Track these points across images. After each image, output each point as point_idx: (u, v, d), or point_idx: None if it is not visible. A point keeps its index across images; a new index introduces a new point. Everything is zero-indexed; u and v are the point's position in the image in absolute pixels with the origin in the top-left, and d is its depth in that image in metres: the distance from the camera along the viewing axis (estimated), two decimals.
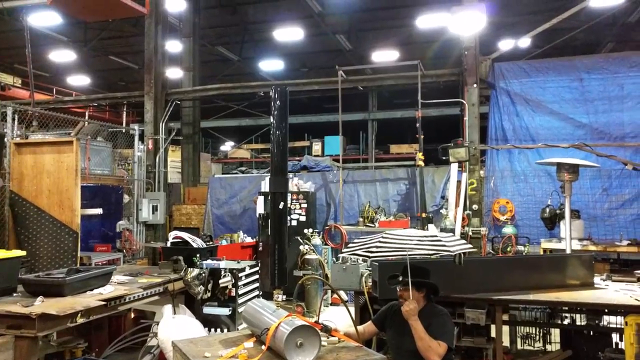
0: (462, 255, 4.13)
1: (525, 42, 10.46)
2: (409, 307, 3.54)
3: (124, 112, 16.51)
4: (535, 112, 9.36)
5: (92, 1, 6.20)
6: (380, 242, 3.73)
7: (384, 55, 16.65)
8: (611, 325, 4.88)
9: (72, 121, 9.81)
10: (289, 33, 15.76)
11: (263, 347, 3.14)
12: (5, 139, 6.67)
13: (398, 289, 3.74)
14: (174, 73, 15.05)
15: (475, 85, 9.30)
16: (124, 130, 11.09)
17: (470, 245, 4.05)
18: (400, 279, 3.73)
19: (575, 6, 9.05)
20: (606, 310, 4.76)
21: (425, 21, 14.34)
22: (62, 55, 17.92)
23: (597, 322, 4.91)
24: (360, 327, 3.92)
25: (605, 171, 8.66)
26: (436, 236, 3.86)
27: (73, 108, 15.34)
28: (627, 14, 13.37)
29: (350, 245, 4.04)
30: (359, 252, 3.81)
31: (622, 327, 4.43)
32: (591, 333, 5.09)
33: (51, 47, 17.31)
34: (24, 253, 4.98)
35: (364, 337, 3.95)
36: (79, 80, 21.15)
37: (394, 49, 16.64)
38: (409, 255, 3.58)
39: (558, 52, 12.00)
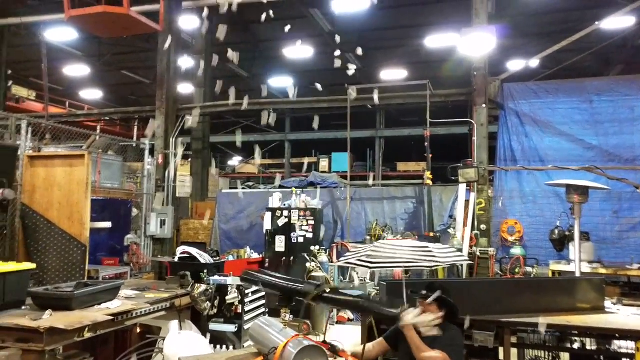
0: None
1: (534, 63, 10.53)
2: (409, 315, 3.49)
3: (135, 126, 16.66)
4: (544, 133, 9.37)
5: (109, 18, 6.32)
6: (372, 250, 3.81)
7: (393, 74, 16.76)
8: (622, 351, 4.80)
9: (85, 134, 9.94)
10: (299, 51, 15.93)
11: None
12: (19, 152, 6.74)
13: (418, 303, 3.71)
14: (185, 88, 15.21)
15: (484, 106, 9.33)
16: (134, 145, 11.19)
17: (463, 256, 4.03)
18: (424, 292, 3.71)
19: (585, 28, 9.11)
20: (617, 335, 4.69)
21: (434, 41, 14.46)
22: (76, 70, 18.21)
23: (607, 347, 4.84)
24: (369, 345, 3.89)
25: (616, 194, 8.62)
26: (427, 247, 3.87)
27: (85, 122, 15.53)
28: (637, 37, 13.40)
29: (344, 255, 4.08)
30: (352, 260, 3.90)
31: (634, 352, 4.37)
32: (601, 358, 5.01)
33: (66, 62, 17.59)
34: (33, 266, 5.00)
35: (373, 354, 3.91)
36: (92, 94, 21.43)
37: (403, 68, 16.76)
38: (400, 265, 3.64)
39: (567, 73, 12.04)
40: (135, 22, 6.62)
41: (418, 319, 3.42)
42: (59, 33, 14.07)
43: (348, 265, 4.09)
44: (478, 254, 8.81)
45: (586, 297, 5.06)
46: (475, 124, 9.37)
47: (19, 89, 18.04)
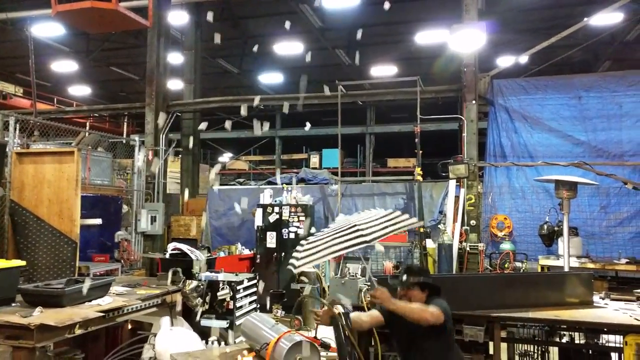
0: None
1: (523, 59, 10.61)
2: (376, 293, 3.39)
3: (125, 123, 16.55)
4: (533, 129, 9.43)
5: (97, 14, 6.25)
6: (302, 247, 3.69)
7: (383, 70, 16.80)
8: (610, 345, 4.87)
9: (73, 131, 9.84)
10: (289, 47, 15.91)
11: None
12: (7, 149, 6.67)
13: (399, 290, 3.71)
14: (175, 84, 15.12)
15: (474, 102, 9.37)
16: (124, 141, 11.13)
17: (407, 220, 3.67)
18: (404, 278, 3.70)
19: (574, 25, 9.18)
20: (605, 329, 4.75)
21: (425, 37, 14.51)
22: (64, 66, 18.01)
23: (596, 341, 4.90)
24: (362, 315, 3.81)
25: (604, 189, 8.71)
26: (355, 224, 3.55)
27: (74, 118, 15.40)
28: (624, 33, 13.54)
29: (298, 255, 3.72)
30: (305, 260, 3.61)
31: (621, 346, 4.43)
32: (590, 352, 5.07)
33: (53, 57, 17.40)
34: (23, 263, 4.97)
35: (365, 325, 3.79)
36: (80, 90, 21.23)
37: (393, 64, 16.80)
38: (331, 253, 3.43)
39: (555, 69, 12.15)
40: (123, 17, 6.55)
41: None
42: (46, 28, 13.91)
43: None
44: (468, 249, 8.87)
45: (575, 292, 5.12)
46: (465, 120, 9.41)
47: (6, 85, 17.84)
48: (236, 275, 6.60)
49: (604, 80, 9.36)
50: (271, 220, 9.81)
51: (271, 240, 9.78)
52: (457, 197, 9.25)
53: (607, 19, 11.06)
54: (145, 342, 5.49)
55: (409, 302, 3.49)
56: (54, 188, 6.48)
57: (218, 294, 6.00)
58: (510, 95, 9.59)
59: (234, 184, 16.72)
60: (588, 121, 9.15)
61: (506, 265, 8.49)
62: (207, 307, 5.99)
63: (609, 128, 9.04)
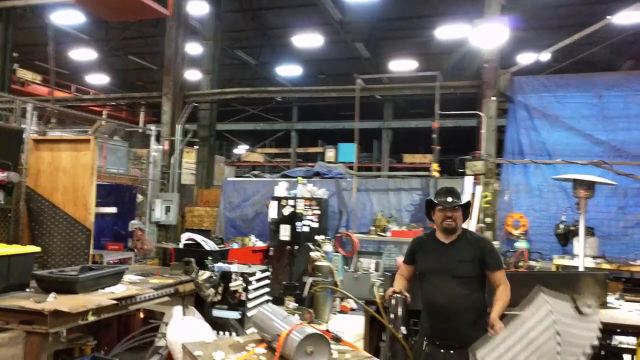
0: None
1: (544, 56, 10.43)
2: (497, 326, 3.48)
3: (141, 112, 16.65)
4: (552, 127, 9.30)
5: (117, 2, 6.27)
6: None
7: (402, 65, 16.65)
8: (622, 346, 4.81)
9: (90, 119, 9.94)
10: (308, 39, 15.85)
11: (274, 353, 3.13)
12: (24, 135, 6.73)
13: (437, 211, 3.76)
14: (192, 75, 15.17)
15: (493, 98, 9.25)
16: (140, 130, 11.21)
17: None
18: (449, 200, 3.71)
19: (597, 22, 9.00)
20: (619, 330, 4.69)
21: (445, 32, 14.35)
22: (82, 54, 18.16)
23: (608, 341, 4.83)
24: (403, 279, 3.90)
25: (622, 189, 8.56)
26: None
27: (91, 106, 15.53)
28: None
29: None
30: None
31: (634, 347, 4.38)
32: (603, 353, 5.01)
33: (72, 45, 17.55)
34: (38, 249, 5.01)
35: (408, 284, 3.90)
36: (98, 79, 21.40)
37: (412, 58, 16.64)
38: None
39: (577, 67, 11.90)
40: (143, 6, 6.56)
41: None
42: (66, 16, 14.01)
43: None
44: None
45: (589, 292, 5.04)
46: (484, 116, 9.30)
47: (25, 72, 18.03)
48: (249, 267, 6.60)
49: (626, 79, 9.18)
50: (285, 213, 9.81)
51: (285, 233, 9.77)
52: (473, 194, 9.15)
53: (631, 17, 10.80)
54: (157, 331, 5.53)
55: (501, 297, 3.70)
56: (70, 176, 6.50)
57: (230, 285, 5.99)
58: (531, 92, 9.45)
59: (249, 176, 16.76)
60: (608, 120, 8.98)
61: (521, 264, 8.40)
62: (219, 297, 6.00)
63: (629, 128, 8.87)
